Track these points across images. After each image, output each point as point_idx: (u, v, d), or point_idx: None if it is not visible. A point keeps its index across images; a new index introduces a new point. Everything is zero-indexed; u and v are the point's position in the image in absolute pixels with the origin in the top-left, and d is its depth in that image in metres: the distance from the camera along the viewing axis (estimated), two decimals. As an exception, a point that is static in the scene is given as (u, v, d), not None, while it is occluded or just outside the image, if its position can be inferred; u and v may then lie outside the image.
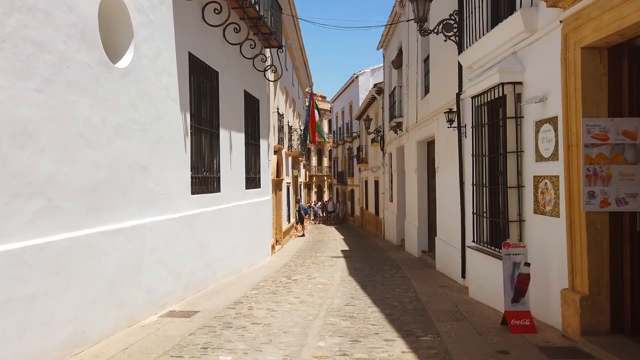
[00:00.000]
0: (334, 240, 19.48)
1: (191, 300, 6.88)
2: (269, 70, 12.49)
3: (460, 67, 8.03)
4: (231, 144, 9.51)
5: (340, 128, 36.24)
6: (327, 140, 20.75)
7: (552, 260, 5.22)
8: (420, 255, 12.26)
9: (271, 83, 13.79)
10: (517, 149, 5.96)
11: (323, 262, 11.75)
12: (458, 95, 8.12)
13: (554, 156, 5.23)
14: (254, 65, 11.31)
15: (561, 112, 4.96)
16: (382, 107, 19.13)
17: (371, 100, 22.31)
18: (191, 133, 7.56)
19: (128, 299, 5.47)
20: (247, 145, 11.00)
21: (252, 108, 11.55)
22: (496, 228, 6.71)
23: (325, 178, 49.30)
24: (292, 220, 19.89)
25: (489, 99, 6.54)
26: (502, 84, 5.97)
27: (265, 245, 12.31)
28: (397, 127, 14.91)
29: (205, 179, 8.14)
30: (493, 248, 6.45)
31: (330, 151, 45.81)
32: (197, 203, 7.65)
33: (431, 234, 11.90)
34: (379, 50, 19.36)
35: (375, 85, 20.08)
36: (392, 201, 17.24)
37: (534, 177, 5.63)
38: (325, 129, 48.53)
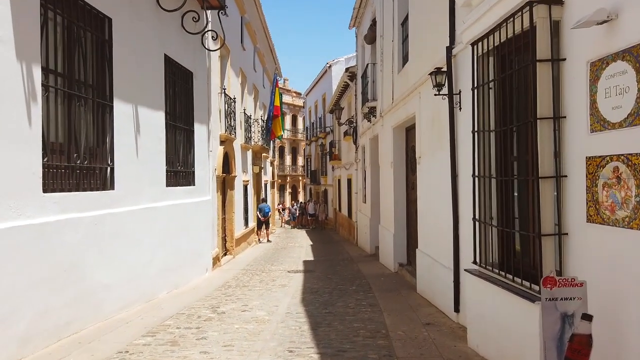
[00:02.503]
0: (299, 247, 16.95)
1: (27, 364, 4.28)
2: (207, 36, 9.90)
3: (452, 8, 5.59)
4: (138, 124, 6.90)
5: (313, 123, 33.75)
6: (282, 136, 18.14)
7: (631, 310, 2.81)
8: (397, 269, 9.82)
9: (215, 57, 11.19)
10: (555, 113, 3.54)
11: (274, 281, 9.20)
12: (450, 49, 5.68)
13: (635, 117, 2.83)
14: (182, 25, 8.72)
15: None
16: (355, 94, 16.69)
17: (344, 89, 19.87)
18: (47, 97, 4.96)
19: None
20: (171, 128, 8.38)
21: (182, 83, 8.94)
22: (513, 243, 4.29)
23: (301, 178, 46.78)
24: (253, 224, 17.29)
25: (500, 41, 4.11)
26: (531, 2, 3.54)
27: (202, 258, 9.70)
28: (371, 114, 12.47)
29: (80, 169, 5.52)
30: (509, 276, 4.02)
31: (305, 149, 43.34)
32: (58, 205, 5.03)
33: (411, 243, 9.47)
34: (351, 29, 16.92)
35: (347, 69, 17.64)
36: (365, 202, 14.81)
37: (589, 159, 3.23)
38: (300, 125, 46.13)
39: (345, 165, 20.69)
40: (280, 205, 33.35)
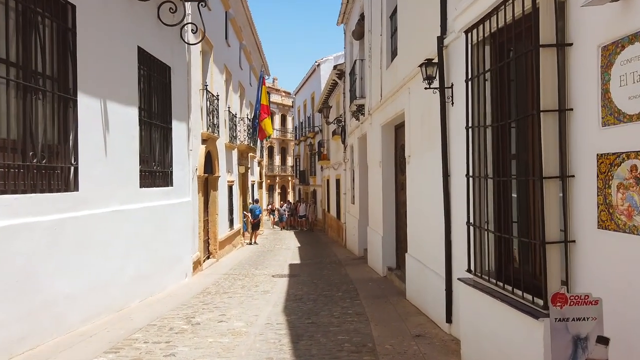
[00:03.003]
0: (286, 249, 16.48)
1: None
2: (186, 29, 9.41)
3: (443, -4, 5.18)
4: (107, 120, 6.40)
5: (302, 123, 33.29)
6: (269, 136, 17.62)
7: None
8: (386, 273, 9.41)
9: (195, 52, 10.70)
10: (561, 105, 3.14)
11: (257, 286, 8.74)
12: (441, 39, 5.27)
13: (658, 108, 2.44)
14: (159, 17, 8.23)
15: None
16: (344, 93, 16.27)
17: (332, 87, 19.44)
18: (-5, 90, 4.46)
19: None
20: (146, 126, 7.89)
21: (158, 77, 8.44)
22: (511, 250, 3.89)
23: (290, 178, 46.29)
24: (238, 226, 16.79)
25: (497, 27, 3.70)
26: (534, -21, 3.13)
27: (180, 263, 9.21)
28: (359, 112, 12.06)
29: (38, 169, 5.02)
30: (507, 288, 3.60)
31: (294, 149, 42.88)
32: (9, 208, 4.54)
33: (400, 247, 9.07)
34: (339, 25, 16.50)
35: (335, 67, 17.21)
36: (353, 203, 14.39)
37: (601, 157, 2.83)
38: (290, 125, 45.61)
39: (333, 165, 20.27)
40: (270, 206, 32.79)
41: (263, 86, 17.61)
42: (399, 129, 9.04)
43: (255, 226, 18.63)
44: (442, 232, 5.33)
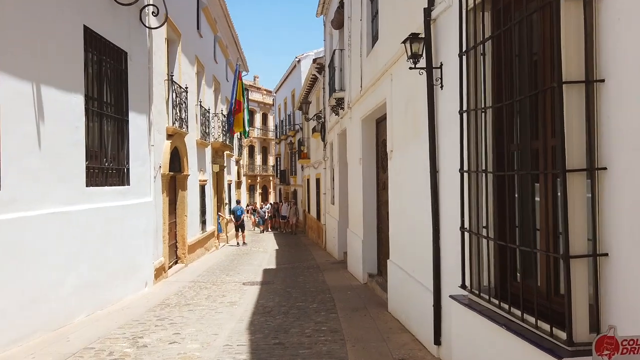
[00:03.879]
0: (263, 252, 15.62)
1: None
2: (147, 12, 8.50)
3: (431, -41, 4.41)
4: (40, 107, 5.49)
5: (282, 121, 32.41)
6: (247, 133, 16.85)
7: None
8: (367, 280, 8.64)
9: (159, 39, 9.78)
10: (588, 75, 2.37)
11: (224, 296, 7.88)
12: (428, 11, 4.48)
13: None
14: (111, -5, 7.31)
15: None
16: (323, 87, 15.47)
17: (312, 82, 18.63)
18: None
19: None
20: (96, 116, 6.98)
21: (112, 63, 7.53)
22: (519, 262, 3.13)
23: (271, 178, 45.35)
24: (212, 227, 15.84)
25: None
26: None
27: (139, 270, 8.29)
28: (338, 106, 11.27)
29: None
30: (515, 312, 2.84)
31: (275, 148, 41.98)
32: None
33: (382, 251, 8.31)
34: (319, 17, 15.70)
35: (314, 60, 16.39)
36: (333, 204, 13.61)
37: (650, 142, 2.08)
38: (271, 124, 44.65)
39: (314, 164, 19.47)
40: (251, 207, 31.77)
41: (239, 80, 16.72)
42: (380, 123, 8.28)
43: (241, 227, 18.27)
44: (429, 237, 4.56)
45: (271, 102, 43.37)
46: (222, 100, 18.82)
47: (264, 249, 16.55)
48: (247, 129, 16.18)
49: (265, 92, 45.19)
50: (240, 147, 27.59)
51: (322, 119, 15.67)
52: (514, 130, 3.18)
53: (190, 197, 12.52)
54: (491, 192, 3.33)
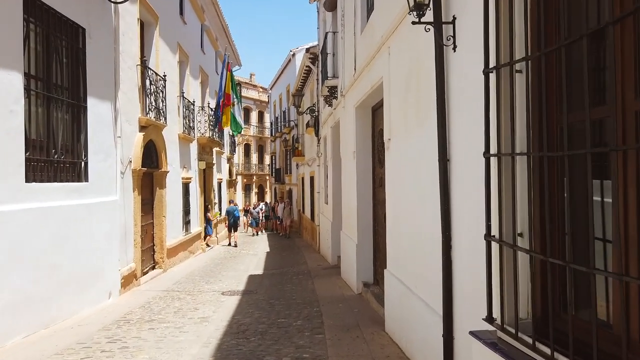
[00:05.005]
0: (253, 255, 14.57)
1: None
2: (109, -17, 7.45)
3: None
4: (-45, 84, 4.44)
5: (277, 118, 31.37)
6: (241, 130, 15.92)
7: None
8: (362, 290, 7.59)
9: (129, 18, 8.74)
10: None
11: (196, 310, 6.84)
12: (436, -51, 3.44)
13: None
14: (62, -42, 6.26)
15: None
16: (317, 79, 14.43)
17: (306, 74, 17.60)
18: None
19: None
20: (41, 100, 5.93)
21: (64, 39, 6.48)
22: (574, 287, 2.09)
23: (268, 177, 44.28)
24: (198, 229, 14.77)
25: None
26: None
27: (101, 279, 7.24)
28: (331, 96, 10.23)
29: None
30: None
31: (270, 146, 40.97)
32: None
33: (379, 257, 7.28)
34: (312, 2, 14.65)
35: (307, 50, 15.34)
36: (327, 203, 12.58)
37: None
38: (268, 122, 43.58)
39: (308, 161, 18.42)
40: (244, 207, 30.66)
41: (228, 72, 15.68)
42: (376, 111, 7.24)
43: (234, 227, 17.74)
44: (436, 246, 3.53)
45: (267, 100, 42.36)
46: (210, 94, 17.76)
47: (254, 252, 15.50)
48: (241, 125, 15.20)
49: (261, 90, 44.17)
50: (234, 144, 26.55)
51: (316, 113, 14.63)
52: (562, 90, 2.14)
53: (171, 196, 11.47)
54: (533, 185, 2.29)
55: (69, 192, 6.44)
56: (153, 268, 10.56)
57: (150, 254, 10.45)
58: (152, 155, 10.26)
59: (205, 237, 16.04)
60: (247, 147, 43.87)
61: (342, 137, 9.22)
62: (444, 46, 3.34)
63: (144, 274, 9.83)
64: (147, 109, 9.47)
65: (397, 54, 4.87)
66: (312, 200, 17.24)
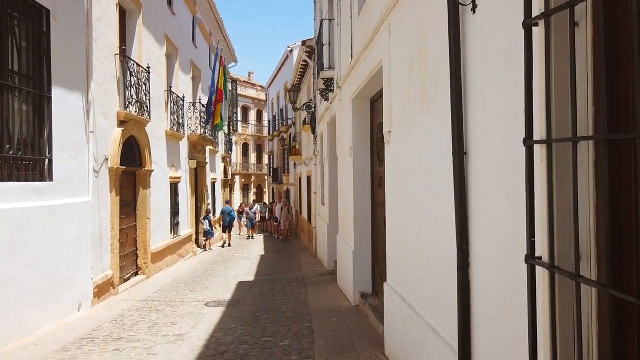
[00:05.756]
0: (245, 258, 13.83)
1: None
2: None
3: None
4: None
5: (275, 116, 30.64)
6: (222, 128, 15.27)
7: None
8: (359, 302, 6.85)
9: (107, 3, 7.99)
10: None
11: (173, 325, 6.10)
12: None
13: None
14: None
15: None
16: (314, 73, 13.69)
17: (303, 70, 16.87)
18: None
19: None
20: (-9, 88, 5.19)
21: (23, 20, 5.74)
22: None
23: (266, 177, 43.55)
24: (188, 231, 14.02)
25: None
26: None
27: (70, 289, 6.51)
28: (327, 89, 9.50)
29: None
30: None
31: (267, 145, 40.23)
32: None
33: (378, 265, 6.55)
34: (308, -7, 13.86)
35: (304, 42, 14.58)
36: (323, 204, 11.84)
37: None
38: (266, 121, 42.84)
39: (305, 160, 17.69)
40: (239, 207, 29.54)
41: (221, 67, 14.94)
42: (375, 103, 6.51)
43: (228, 227, 17.38)
44: (449, 262, 2.80)
45: (265, 98, 41.66)
46: (203, 90, 17.01)
47: (247, 255, 14.75)
48: (223, 122, 14.39)
49: (259, 89, 43.48)
50: (230, 142, 25.78)
51: (313, 109, 13.90)
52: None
53: (156, 197, 10.74)
54: (600, 183, 1.55)
55: (28, 193, 5.71)
56: (136, 274, 9.83)
57: (132, 259, 9.72)
58: (134, 152, 9.53)
59: (206, 240, 15.58)
60: (245, 147, 43.18)
61: (339, 133, 8.48)
62: (460, 5, 2.60)
63: (124, 280, 9.09)
64: (127, 103, 8.72)
65: (398, 30, 4.13)
66: (309, 200, 16.51)
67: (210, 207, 18.02)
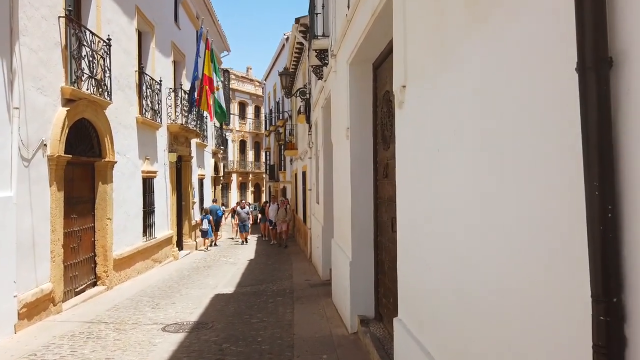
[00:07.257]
0: (231, 264, 12.23)
1: None
2: None
3: None
4: None
5: (271, 110, 29.07)
6: (225, 119, 13.73)
7: None
8: (358, 329, 5.24)
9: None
10: None
11: (106, 363, 4.52)
12: None
13: None
14: None
15: None
16: (308, 55, 12.09)
17: (298, 54, 15.28)
18: None
19: None
20: None
21: None
22: None
23: (264, 175, 41.99)
24: (168, 232, 12.42)
25: None
26: None
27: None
28: (322, 62, 7.92)
29: None
30: None
31: (264, 141, 38.65)
32: None
33: (383, 281, 4.95)
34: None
35: (297, 20, 12.97)
36: (318, 202, 10.26)
37: None
38: (263, 117, 41.25)
39: (301, 155, 16.09)
40: (231, 208, 27.14)
41: (207, 50, 13.37)
42: (380, 69, 4.93)
43: (216, 226, 16.50)
44: (558, 316, 1.21)
45: (259, 94, 40.16)
46: (188, 77, 15.41)
47: (234, 259, 13.16)
48: (225, 113, 12.89)
49: (257, 84, 41.94)
50: (222, 137, 24.20)
51: (307, 95, 12.32)
52: None
53: (123, 193, 9.17)
54: None
55: None
56: (94, 284, 8.26)
57: (89, 267, 8.14)
58: (89, 139, 7.97)
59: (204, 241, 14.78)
60: (242, 144, 41.65)
61: (334, 114, 6.89)
62: None
63: (77, 293, 7.54)
64: (76, 78, 7.14)
65: None
66: (304, 199, 14.93)
67: (198, 205, 16.53)
